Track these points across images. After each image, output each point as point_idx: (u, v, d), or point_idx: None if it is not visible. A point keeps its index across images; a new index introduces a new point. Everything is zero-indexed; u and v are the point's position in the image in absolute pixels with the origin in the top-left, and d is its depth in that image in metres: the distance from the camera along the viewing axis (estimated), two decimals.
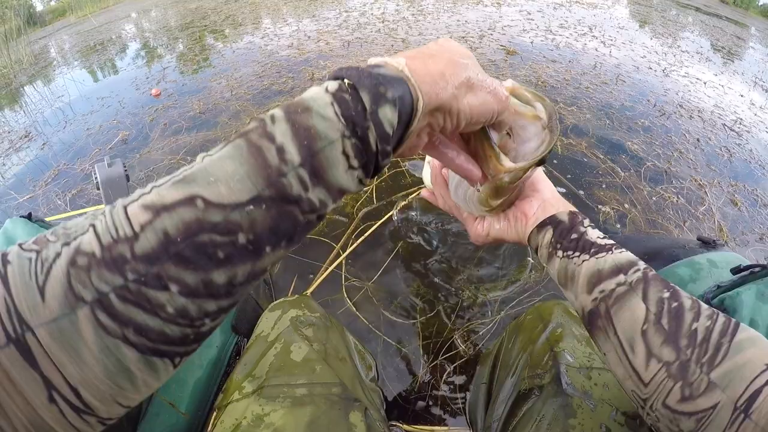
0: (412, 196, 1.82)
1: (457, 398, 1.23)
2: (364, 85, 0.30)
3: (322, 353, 0.74)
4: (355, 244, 1.64)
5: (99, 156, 2.61)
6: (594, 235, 0.50)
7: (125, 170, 0.76)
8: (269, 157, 0.27)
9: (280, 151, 0.27)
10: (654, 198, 1.97)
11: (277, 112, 0.29)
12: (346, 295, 1.49)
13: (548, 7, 7.16)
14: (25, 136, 3.22)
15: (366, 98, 0.30)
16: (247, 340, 0.80)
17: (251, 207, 0.26)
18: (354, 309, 1.46)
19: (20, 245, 0.27)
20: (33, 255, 0.25)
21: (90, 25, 8.89)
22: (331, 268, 1.56)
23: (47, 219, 0.80)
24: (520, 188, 0.56)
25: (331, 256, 1.61)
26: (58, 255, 0.25)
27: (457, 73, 0.35)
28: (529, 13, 6.32)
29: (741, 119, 3.35)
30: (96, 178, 0.75)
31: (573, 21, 6.10)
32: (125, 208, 0.27)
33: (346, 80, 0.31)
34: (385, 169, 2.00)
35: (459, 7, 6.77)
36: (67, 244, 0.26)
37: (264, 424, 0.58)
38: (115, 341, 0.25)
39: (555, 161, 2.14)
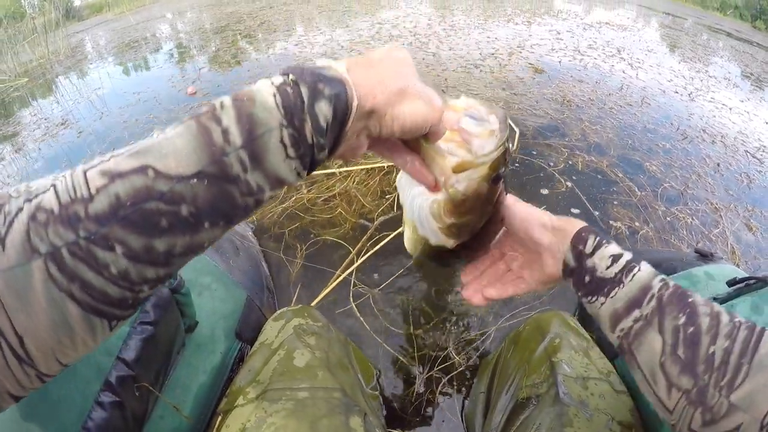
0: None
1: (454, 407, 1.27)
2: (305, 81, 0.33)
3: (324, 360, 0.75)
4: (367, 254, 1.72)
5: None
6: (603, 265, 0.49)
7: None
8: (215, 137, 0.30)
9: (225, 133, 0.30)
10: (668, 218, 2.04)
11: (226, 99, 0.32)
12: (352, 300, 1.57)
13: (578, 28, 7.20)
14: (62, 124, 3.38)
15: (305, 92, 0.32)
16: (251, 347, 0.82)
17: (195, 181, 0.29)
18: (357, 312, 1.54)
19: None
20: None
21: (126, 23, 9.11)
22: (342, 276, 1.64)
23: None
24: (494, 222, 0.55)
25: (346, 262, 1.70)
26: (20, 210, 0.27)
27: (394, 81, 0.37)
28: (559, 33, 6.38)
29: (765, 146, 3.36)
30: None
31: (602, 42, 6.13)
32: (85, 172, 0.29)
33: (290, 75, 0.33)
34: None
35: (490, 23, 6.83)
36: (29, 200, 0.28)
37: (266, 425, 0.61)
38: (62, 295, 0.27)
39: (574, 177, 2.23)
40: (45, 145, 3.04)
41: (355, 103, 0.34)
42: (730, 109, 4.13)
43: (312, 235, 1.82)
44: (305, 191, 2.07)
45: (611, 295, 0.48)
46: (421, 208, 0.51)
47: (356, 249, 1.74)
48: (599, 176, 2.30)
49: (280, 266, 1.71)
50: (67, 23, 8.33)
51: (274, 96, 0.32)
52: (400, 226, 1.73)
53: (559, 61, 4.64)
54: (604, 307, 0.49)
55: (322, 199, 2.02)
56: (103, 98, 3.84)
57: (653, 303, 0.45)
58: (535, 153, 2.45)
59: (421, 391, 1.31)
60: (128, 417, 0.55)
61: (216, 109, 0.31)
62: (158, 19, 9.65)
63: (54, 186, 0.29)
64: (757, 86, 6.00)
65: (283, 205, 1.97)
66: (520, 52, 4.89)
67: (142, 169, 0.28)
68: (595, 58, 4.99)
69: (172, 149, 0.29)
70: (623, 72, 4.58)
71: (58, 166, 2.57)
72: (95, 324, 0.29)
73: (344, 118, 0.34)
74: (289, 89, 0.32)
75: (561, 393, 0.68)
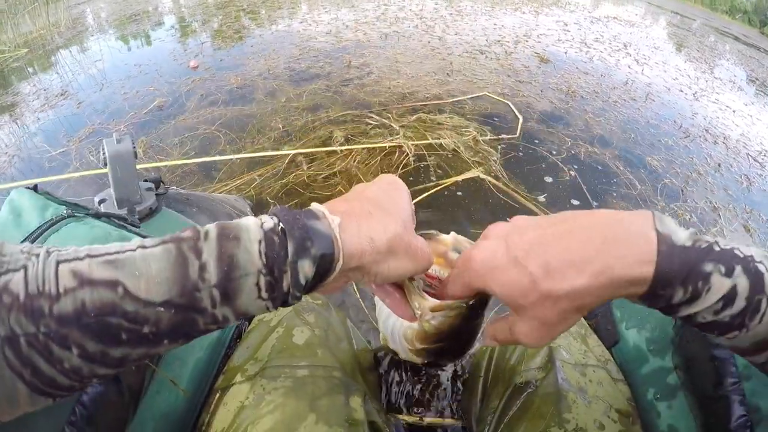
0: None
1: (451, 390, 1.30)
2: (294, 236, 0.32)
3: (323, 338, 0.73)
4: None
5: (136, 117, 2.73)
6: (709, 314, 0.32)
7: (134, 147, 0.77)
8: (191, 271, 0.29)
9: (202, 269, 0.30)
10: (667, 213, 2.03)
11: (212, 230, 0.32)
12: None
13: (585, 20, 7.14)
14: (61, 95, 3.30)
15: (291, 247, 0.32)
16: (248, 324, 0.80)
17: (162, 309, 0.29)
18: (356, 291, 1.53)
19: None
20: None
21: None
22: None
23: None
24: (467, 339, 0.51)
25: None
26: None
27: (385, 235, 0.36)
28: (566, 25, 6.33)
29: (766, 150, 3.38)
30: (104, 153, 0.75)
31: (609, 36, 6.10)
32: (58, 264, 0.29)
33: (281, 224, 0.33)
34: (409, 156, 2.10)
35: (497, 11, 6.78)
36: None
37: (265, 402, 0.59)
38: (12, 375, 0.27)
39: (576, 166, 2.22)
40: (44, 115, 2.97)
41: (339, 265, 0.34)
42: (734, 111, 4.12)
43: None
44: (305, 168, 2.06)
45: (737, 335, 0.33)
46: (395, 327, 0.51)
47: None
48: (600, 167, 2.29)
49: None
50: None
51: (260, 242, 0.31)
52: None
53: (565, 52, 4.60)
54: (735, 341, 0.34)
55: (323, 176, 2.01)
56: (104, 71, 3.77)
57: None
58: (537, 141, 2.44)
59: (421, 373, 1.31)
60: (124, 391, 0.53)
61: (199, 240, 0.31)
62: None
63: (25, 269, 0.28)
64: (761, 91, 6.00)
65: (283, 181, 1.96)
66: (527, 41, 4.85)
67: (113, 284, 0.28)
68: (602, 52, 4.96)
69: (146, 272, 0.29)
70: (629, 67, 4.55)
71: (57, 138, 2.54)
72: (39, 400, 0.29)
73: (325, 275, 0.34)
74: (276, 239, 0.32)
75: (560, 379, 0.66)
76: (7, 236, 0.53)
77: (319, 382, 0.64)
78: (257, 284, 0.31)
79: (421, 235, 0.45)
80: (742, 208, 2.34)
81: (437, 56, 3.93)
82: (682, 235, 0.32)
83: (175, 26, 5.48)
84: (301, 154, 2.18)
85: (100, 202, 0.79)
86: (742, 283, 0.30)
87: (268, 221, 0.33)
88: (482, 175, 2.04)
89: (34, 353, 0.27)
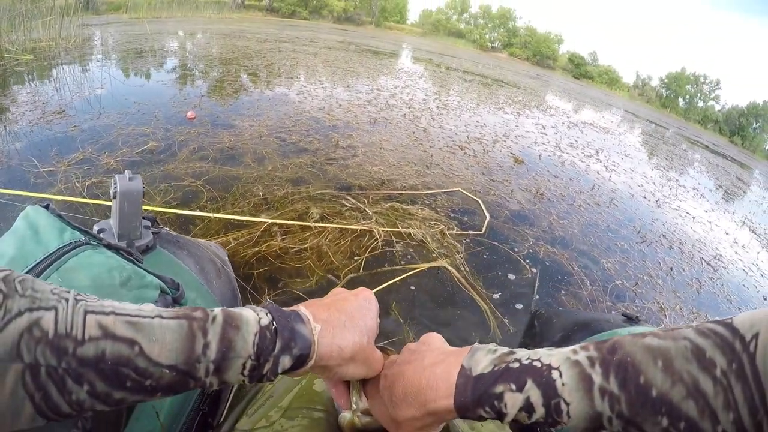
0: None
1: None
2: (283, 336, 0.41)
3: None
4: None
5: (127, 155, 2.78)
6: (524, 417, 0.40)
7: (143, 188, 0.82)
8: (197, 347, 0.36)
9: (206, 346, 0.37)
10: (613, 312, 2.19)
11: (219, 315, 0.39)
12: None
13: (563, 125, 7.67)
14: (58, 113, 3.37)
15: (278, 344, 0.40)
16: None
17: (166, 370, 0.35)
18: None
19: None
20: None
21: (140, 30, 9.52)
22: None
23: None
24: None
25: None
26: (20, 313, 0.32)
27: (351, 346, 0.46)
28: (544, 128, 6.80)
29: (720, 255, 3.60)
30: (115, 187, 0.78)
31: (583, 142, 6.55)
32: (86, 313, 0.34)
33: (274, 322, 0.41)
34: (378, 241, 2.27)
35: (481, 108, 7.29)
36: (30, 310, 0.32)
37: None
38: (25, 395, 0.32)
39: (539, 265, 2.40)
40: (38, 129, 3.01)
41: (311, 363, 0.43)
42: (694, 218, 4.41)
43: (280, 283, 1.89)
44: (279, 239, 2.16)
45: (562, 427, 0.41)
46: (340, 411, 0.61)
47: None
48: (557, 267, 2.46)
49: (248, 302, 1.75)
50: (84, 13, 8.37)
51: (255, 335, 0.40)
52: (367, 286, 1.85)
53: (539, 155, 4.96)
54: (566, 429, 0.41)
55: (295, 249, 2.11)
56: (102, 99, 3.90)
57: None
58: (502, 238, 2.63)
59: None
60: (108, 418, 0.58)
61: (207, 321, 0.38)
62: (171, 34, 10.06)
63: (56, 310, 0.33)
64: (724, 198, 6.38)
65: (256, 248, 2.05)
66: (505, 141, 5.23)
67: (131, 343, 0.34)
68: (574, 157, 5.33)
69: (161, 339, 0.36)
70: (597, 173, 4.90)
71: (46, 155, 2.60)
72: (38, 421, 0.34)
73: (298, 368, 0.43)
74: (268, 334, 0.40)
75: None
76: (27, 250, 0.57)
77: (334, 423, 0.70)
78: (244, 365, 0.39)
79: (379, 347, 0.54)
80: (690, 309, 2.49)
81: (420, 147, 4.18)
82: (482, 364, 0.42)
83: (177, 71, 5.69)
84: (277, 224, 2.27)
85: (99, 231, 0.81)
86: (534, 394, 0.38)
87: (264, 318, 0.41)
88: (448, 267, 2.20)
89: (50, 382, 0.32)
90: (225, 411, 0.87)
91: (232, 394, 0.92)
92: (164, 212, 2.19)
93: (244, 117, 4.02)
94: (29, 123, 3.11)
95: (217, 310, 0.40)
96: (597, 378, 0.36)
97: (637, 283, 2.57)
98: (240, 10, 23.57)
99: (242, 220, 2.25)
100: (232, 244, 2.04)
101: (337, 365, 0.46)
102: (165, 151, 2.93)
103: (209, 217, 2.23)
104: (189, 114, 3.74)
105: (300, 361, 0.42)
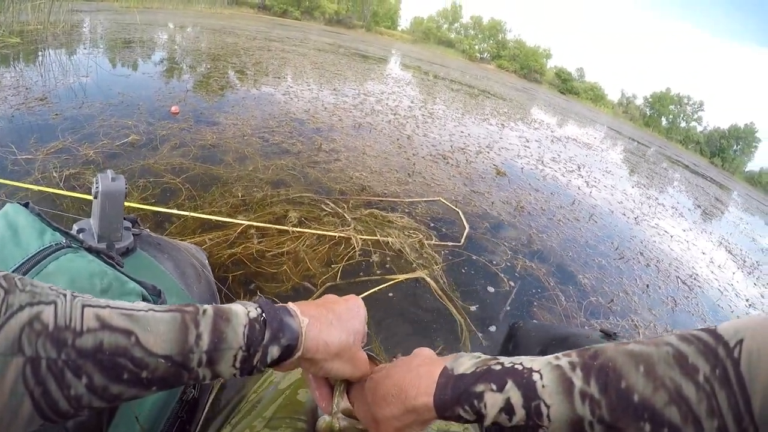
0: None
1: None
2: (272, 327, 0.42)
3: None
4: None
5: (107, 147, 2.73)
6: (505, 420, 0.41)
7: (126, 188, 0.81)
8: (190, 338, 0.38)
9: (198, 337, 0.38)
10: (586, 328, 2.18)
11: (209, 309, 0.40)
12: None
13: (546, 139, 7.74)
14: (41, 100, 3.30)
15: (267, 335, 0.42)
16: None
17: (161, 360, 0.36)
18: None
19: None
20: (1, 293, 0.33)
21: (130, 19, 9.41)
22: None
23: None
24: None
25: None
26: (21, 308, 0.32)
27: (338, 343, 0.48)
28: (528, 141, 6.84)
29: (696, 274, 3.64)
30: (97, 187, 0.78)
31: (565, 157, 6.60)
32: (83, 307, 0.35)
33: (263, 315, 0.43)
34: (355, 249, 2.24)
35: (466, 119, 7.32)
36: (31, 304, 0.33)
37: None
38: (24, 391, 0.32)
39: (513, 282, 2.39)
40: (19, 114, 2.96)
41: (298, 354, 0.45)
42: (671, 236, 4.46)
43: (253, 286, 1.86)
44: (256, 242, 2.12)
45: (545, 430, 0.39)
46: (319, 414, 0.62)
47: None
48: (533, 281, 2.45)
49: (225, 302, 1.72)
50: None
51: (245, 327, 0.41)
52: (343, 294, 1.84)
53: (522, 168, 4.98)
54: None
55: (271, 253, 2.08)
56: (86, 87, 3.83)
57: None
58: (480, 251, 2.61)
59: None
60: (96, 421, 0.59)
61: (198, 314, 0.40)
62: (161, 26, 9.94)
63: (55, 304, 0.34)
64: (702, 218, 6.47)
65: (232, 250, 2.01)
66: (488, 152, 5.24)
67: (128, 333, 0.35)
68: (556, 171, 5.36)
69: (156, 330, 0.37)
70: (578, 188, 4.93)
71: (25, 142, 2.56)
72: (36, 421, 0.34)
73: (286, 359, 0.44)
74: (257, 326, 0.42)
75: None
76: (6, 252, 0.56)
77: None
78: (235, 356, 0.40)
79: (368, 354, 0.55)
80: (664, 327, 2.50)
81: (403, 154, 4.17)
82: (465, 366, 0.43)
83: (165, 64, 5.63)
84: (254, 227, 2.24)
85: (79, 231, 0.81)
86: (515, 395, 0.38)
87: (253, 311, 0.43)
88: (426, 278, 2.18)
89: (49, 376, 0.32)
90: (201, 420, 0.87)
91: (209, 403, 0.92)
92: (141, 209, 2.16)
93: (228, 115, 3.98)
94: (11, 108, 3.04)
95: (207, 306, 0.42)
96: (578, 381, 0.36)
97: (612, 300, 2.57)
98: (232, 6, 23.41)
99: (219, 221, 2.22)
100: (208, 244, 2.01)
101: (324, 360, 0.47)
102: (146, 145, 2.89)
103: (186, 216, 2.18)
104: (173, 109, 3.70)
105: (288, 351, 0.43)
